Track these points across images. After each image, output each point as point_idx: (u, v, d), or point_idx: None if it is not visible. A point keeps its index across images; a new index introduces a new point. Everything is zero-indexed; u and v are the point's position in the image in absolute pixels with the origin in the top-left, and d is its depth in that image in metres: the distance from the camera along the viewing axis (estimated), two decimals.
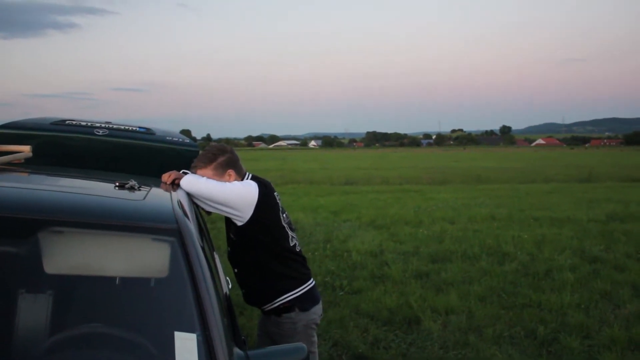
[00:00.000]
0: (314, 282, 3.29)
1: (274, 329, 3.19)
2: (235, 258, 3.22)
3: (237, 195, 3.02)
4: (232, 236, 3.18)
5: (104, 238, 2.04)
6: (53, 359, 1.82)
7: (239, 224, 3.07)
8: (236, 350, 1.91)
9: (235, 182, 3.10)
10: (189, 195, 2.90)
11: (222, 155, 3.13)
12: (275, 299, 3.13)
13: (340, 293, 6.65)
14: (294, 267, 3.20)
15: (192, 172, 3.09)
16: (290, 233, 3.22)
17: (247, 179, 3.18)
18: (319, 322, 3.31)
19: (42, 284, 2.00)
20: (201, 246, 2.12)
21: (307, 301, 3.18)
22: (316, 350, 3.31)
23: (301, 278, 3.20)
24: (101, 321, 1.91)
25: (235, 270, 3.24)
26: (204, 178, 3.02)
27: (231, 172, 3.13)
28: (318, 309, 3.26)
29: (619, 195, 17.93)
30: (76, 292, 2.01)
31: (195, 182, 2.96)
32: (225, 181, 3.08)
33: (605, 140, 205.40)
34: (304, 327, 3.17)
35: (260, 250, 3.12)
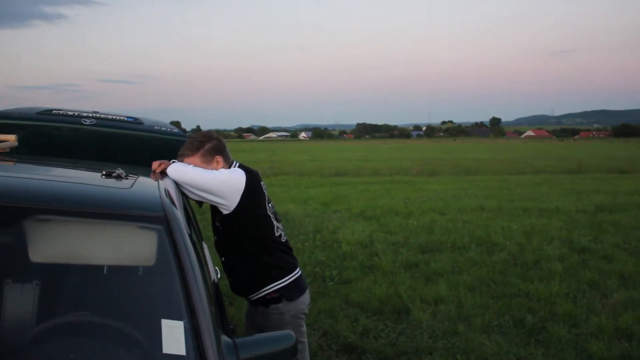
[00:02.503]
0: (300, 272, 3.27)
1: (262, 321, 3.17)
2: (222, 247, 3.20)
3: (224, 183, 3.00)
4: (217, 225, 3.16)
5: (90, 226, 2.02)
6: (40, 348, 1.81)
7: (225, 212, 3.05)
8: (224, 337, 1.90)
9: (223, 170, 3.07)
10: (177, 184, 2.89)
11: (209, 142, 3.09)
12: (261, 289, 3.11)
13: (330, 283, 6.66)
14: (280, 257, 3.18)
15: (180, 161, 3.06)
16: (275, 223, 3.20)
17: (234, 167, 3.16)
18: (307, 311, 3.30)
19: (27, 273, 1.98)
20: (189, 235, 2.11)
21: (294, 291, 3.17)
22: (305, 340, 3.30)
23: (287, 267, 3.19)
24: (88, 310, 1.90)
25: (223, 259, 3.22)
26: (191, 166, 3.00)
27: (219, 158, 3.09)
28: (305, 298, 3.25)
29: (608, 186, 18.04)
30: (62, 280, 1.99)
31: (181, 170, 2.94)
32: (212, 168, 3.05)
33: (594, 132, 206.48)
34: (292, 318, 3.16)
35: (246, 239, 3.10)
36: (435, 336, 5.14)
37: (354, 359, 4.71)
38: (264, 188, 3.21)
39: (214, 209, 3.14)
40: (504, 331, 5.26)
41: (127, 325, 1.84)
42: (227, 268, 3.22)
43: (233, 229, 3.09)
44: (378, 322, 5.45)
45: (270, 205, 3.21)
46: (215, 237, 3.22)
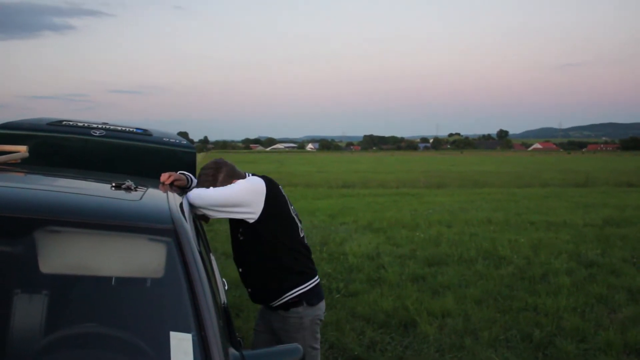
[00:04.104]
0: (319, 279, 3.33)
1: (280, 325, 3.21)
2: (241, 258, 3.24)
3: (246, 192, 3.07)
4: (240, 237, 3.20)
5: (100, 238, 2.04)
6: (49, 358, 1.81)
7: (251, 221, 3.10)
8: (232, 350, 1.91)
9: (240, 181, 3.14)
10: (186, 195, 2.90)
11: (221, 171, 3.18)
12: (284, 295, 3.15)
13: (337, 295, 6.64)
14: (303, 262, 3.24)
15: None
16: (299, 224, 3.29)
17: (248, 177, 3.24)
18: (323, 318, 3.35)
19: (37, 283, 1.99)
20: (197, 247, 2.12)
21: (313, 296, 3.22)
22: (319, 347, 3.33)
23: (309, 273, 3.24)
24: (97, 321, 1.91)
25: (240, 270, 3.26)
26: (210, 188, 3.06)
27: (235, 181, 3.17)
28: (322, 305, 3.30)
29: (615, 200, 17.96)
30: (72, 292, 2.00)
31: (204, 194, 3.00)
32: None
33: (602, 145, 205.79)
34: (310, 322, 3.20)
35: (272, 244, 3.14)
36: (442, 350, 5.11)
37: None
38: (282, 191, 3.28)
39: (236, 222, 3.18)
40: (511, 345, 5.23)
41: (136, 337, 1.85)
42: (247, 278, 3.26)
43: (261, 235, 3.11)
44: (384, 335, 5.43)
45: (292, 207, 3.30)
46: (235, 249, 3.25)
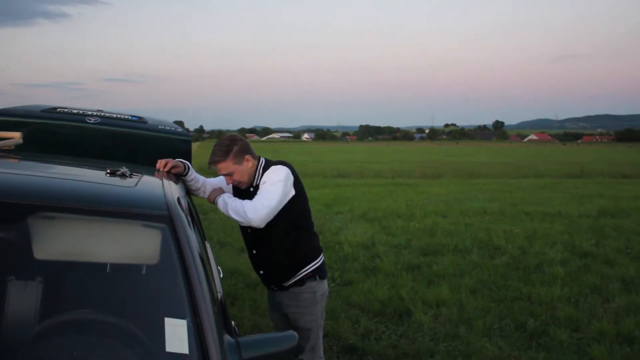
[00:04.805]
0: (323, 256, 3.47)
1: (293, 303, 3.31)
2: (257, 240, 3.29)
3: (286, 186, 3.17)
4: None
5: (94, 224, 2.03)
6: (43, 345, 1.81)
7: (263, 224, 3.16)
8: (227, 337, 1.90)
9: (271, 178, 3.17)
10: (181, 182, 2.90)
11: (236, 145, 3.22)
12: (300, 271, 3.28)
13: (332, 285, 6.65)
14: (315, 238, 3.42)
15: (213, 167, 3.22)
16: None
17: (260, 162, 3.29)
18: (327, 294, 3.51)
19: (31, 270, 1.98)
20: (192, 233, 2.12)
21: (323, 271, 3.41)
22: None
23: (318, 249, 3.41)
24: (91, 307, 1.91)
25: (254, 251, 3.31)
26: (260, 198, 3.11)
27: (248, 157, 3.23)
28: (327, 281, 3.48)
29: (610, 191, 18.03)
30: (66, 278, 1.99)
31: (259, 207, 3.07)
32: (244, 167, 3.21)
33: (597, 137, 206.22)
34: (321, 297, 3.36)
35: (294, 223, 3.27)
36: (436, 339, 5.13)
37: None
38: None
39: None
40: (506, 334, 5.26)
41: (130, 324, 1.84)
42: (261, 260, 3.32)
43: (285, 216, 3.19)
44: (379, 324, 5.45)
45: None
46: (249, 233, 3.29)
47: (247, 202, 3.12)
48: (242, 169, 3.21)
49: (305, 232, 3.34)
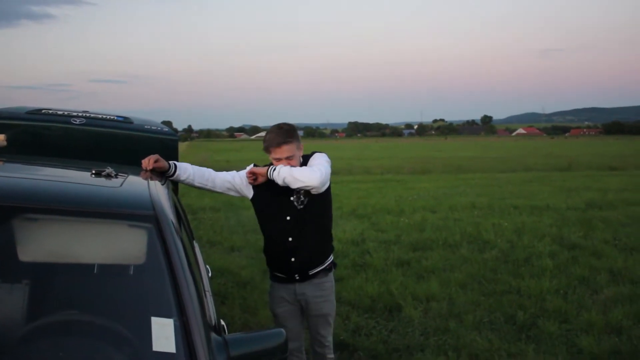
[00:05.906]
0: None
1: (316, 293, 3.40)
2: (296, 228, 3.33)
3: (330, 165, 3.35)
4: (299, 206, 3.31)
5: (80, 225, 2.02)
6: (29, 347, 1.80)
7: (323, 188, 3.26)
8: (214, 335, 1.91)
9: (321, 157, 3.35)
10: (168, 182, 2.89)
11: (296, 130, 3.38)
12: (327, 259, 3.46)
13: None
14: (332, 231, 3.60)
15: (284, 149, 3.26)
16: None
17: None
18: None
19: (17, 272, 1.97)
20: (179, 232, 2.11)
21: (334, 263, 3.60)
22: None
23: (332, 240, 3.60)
24: (78, 308, 1.90)
25: (290, 239, 3.34)
26: (313, 167, 3.23)
27: (301, 145, 3.38)
28: None
29: (598, 183, 18.14)
30: (52, 280, 1.98)
31: (322, 169, 3.20)
32: (299, 153, 3.36)
33: (585, 130, 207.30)
34: (335, 285, 3.57)
35: (329, 209, 3.47)
36: (426, 333, 5.16)
37: (345, 357, 4.72)
38: None
39: (290, 193, 3.29)
40: (495, 328, 5.29)
41: (117, 324, 1.84)
42: (297, 247, 3.35)
43: (324, 201, 3.37)
44: (370, 320, 5.46)
45: None
46: (286, 221, 3.33)
47: (305, 167, 3.24)
48: (298, 155, 3.34)
49: (331, 223, 3.52)
